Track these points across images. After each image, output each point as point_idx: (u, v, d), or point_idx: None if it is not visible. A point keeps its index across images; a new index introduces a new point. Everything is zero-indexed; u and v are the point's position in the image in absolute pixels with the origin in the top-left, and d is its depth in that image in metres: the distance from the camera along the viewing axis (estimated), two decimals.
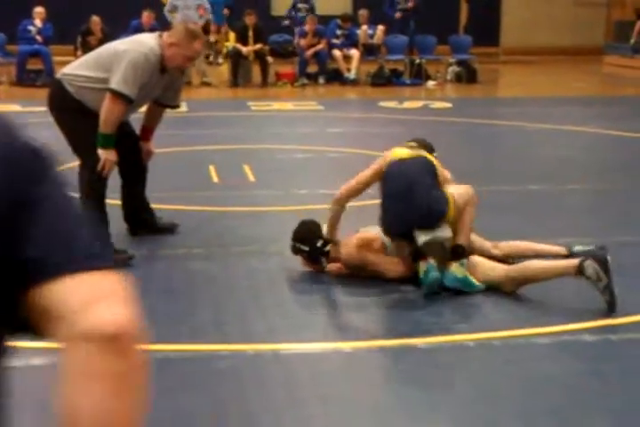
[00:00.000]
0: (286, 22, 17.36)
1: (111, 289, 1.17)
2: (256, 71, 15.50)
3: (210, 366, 3.85)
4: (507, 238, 5.23)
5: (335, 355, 4.08)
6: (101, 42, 14.97)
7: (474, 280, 4.71)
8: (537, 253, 5.04)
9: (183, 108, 12.34)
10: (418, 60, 15.86)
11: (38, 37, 15.23)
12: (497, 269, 4.77)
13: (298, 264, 5.15)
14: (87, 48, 15.08)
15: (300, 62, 15.63)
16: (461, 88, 15.40)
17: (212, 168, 7.93)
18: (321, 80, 15.62)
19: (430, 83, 15.50)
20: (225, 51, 16.88)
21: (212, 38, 18.08)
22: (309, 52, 15.56)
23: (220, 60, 17.67)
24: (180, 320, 4.38)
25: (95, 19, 15.12)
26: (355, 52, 15.62)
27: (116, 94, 5.19)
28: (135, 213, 5.86)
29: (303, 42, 15.66)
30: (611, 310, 4.39)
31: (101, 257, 1.21)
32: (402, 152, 5.08)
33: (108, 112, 5.20)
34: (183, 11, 15.29)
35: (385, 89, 14.88)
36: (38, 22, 15.32)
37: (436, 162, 5.09)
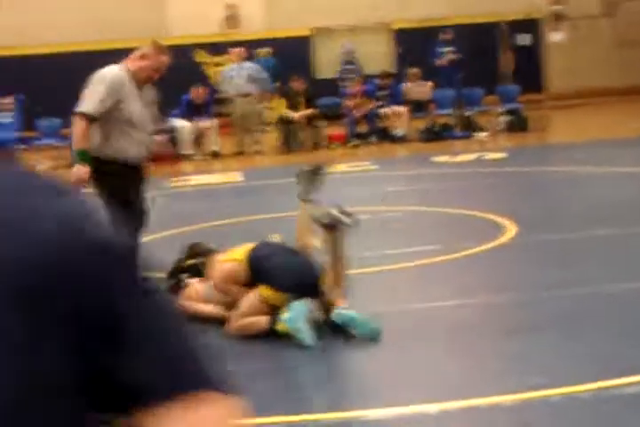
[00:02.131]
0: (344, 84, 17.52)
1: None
2: (306, 135, 15.65)
3: None
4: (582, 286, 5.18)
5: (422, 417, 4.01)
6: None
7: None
8: None
9: (239, 177, 12.55)
10: (467, 113, 15.92)
11: None
12: None
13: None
14: None
15: (349, 123, 15.76)
16: (513, 137, 15.37)
17: (277, 237, 7.95)
18: (372, 139, 15.72)
19: (481, 134, 15.50)
20: (275, 117, 17.07)
21: (266, 106, 18.32)
22: (358, 113, 15.69)
23: (269, 127, 17.90)
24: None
25: None
26: (402, 110, 15.73)
27: (77, 114, 5.78)
28: None
29: (350, 103, 15.82)
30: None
31: (214, 378, 0.97)
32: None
33: (73, 131, 5.85)
34: (235, 80, 15.59)
35: (436, 144, 14.91)
36: None
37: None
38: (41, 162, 15.58)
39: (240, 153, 15.57)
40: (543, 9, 21.20)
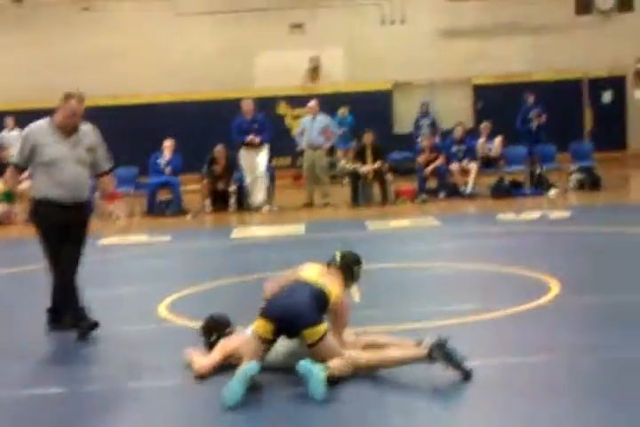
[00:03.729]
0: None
1: None
2: (376, 190, 15.78)
3: None
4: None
5: None
6: (226, 169, 15.61)
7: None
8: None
9: (301, 230, 12.70)
10: (538, 171, 15.84)
11: (167, 169, 15.95)
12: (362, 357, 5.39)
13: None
14: (212, 176, 15.74)
15: (419, 179, 15.84)
16: (584, 196, 15.25)
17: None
18: (441, 195, 15.76)
19: (551, 192, 15.39)
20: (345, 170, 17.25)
21: (341, 159, 18.58)
22: (428, 168, 15.77)
23: (345, 181, 18.07)
24: None
25: (219, 148, 15.76)
26: (473, 166, 15.75)
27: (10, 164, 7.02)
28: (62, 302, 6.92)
29: (421, 158, 15.92)
30: (466, 379, 5.15)
31: None
32: (311, 272, 5.67)
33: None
34: (307, 132, 15.87)
35: (505, 201, 14.88)
36: (167, 154, 16.07)
37: (331, 295, 5.49)
38: (118, 207, 15.98)
39: (309, 205, 15.77)
40: (627, 66, 21.06)
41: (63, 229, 6.82)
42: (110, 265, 10.55)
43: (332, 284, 5.65)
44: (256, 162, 15.39)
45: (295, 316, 5.30)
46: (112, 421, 5.06)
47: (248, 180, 15.47)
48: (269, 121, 16.02)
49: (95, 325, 6.81)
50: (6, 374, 6.07)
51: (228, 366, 5.54)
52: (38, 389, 5.59)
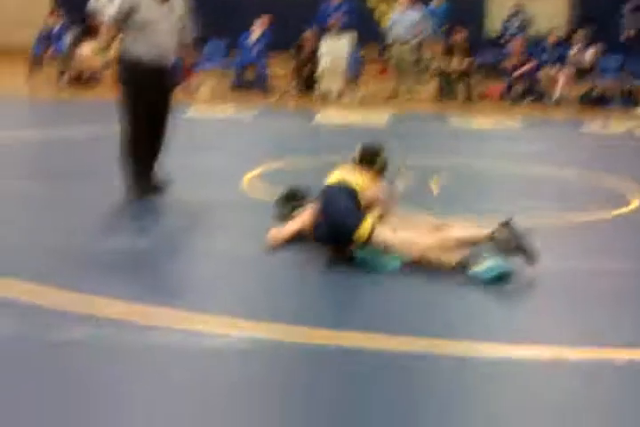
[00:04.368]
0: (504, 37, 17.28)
1: None
2: (462, 88, 15.65)
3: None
4: None
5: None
6: (312, 54, 15.55)
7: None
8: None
9: (384, 120, 12.73)
10: (629, 85, 15.51)
11: (256, 47, 15.93)
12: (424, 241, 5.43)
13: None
14: (299, 61, 15.71)
15: (506, 81, 15.64)
16: None
17: (435, 178, 8.17)
18: (527, 100, 15.56)
19: (639, 109, 15.10)
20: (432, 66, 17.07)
21: (428, 54, 18.36)
22: (516, 72, 15.55)
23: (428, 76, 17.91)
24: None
25: (308, 33, 15.67)
26: (563, 73, 15.47)
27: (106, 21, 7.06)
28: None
29: (510, 61, 15.67)
30: (529, 263, 5.23)
31: None
32: (333, 177, 5.76)
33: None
34: (396, 27, 15.68)
35: (592, 111, 14.66)
36: (257, 32, 16.02)
37: (359, 187, 5.62)
38: (205, 82, 16.16)
39: (394, 97, 15.72)
40: None
41: (150, 91, 6.99)
42: (195, 136, 10.72)
43: (355, 177, 5.74)
44: (336, 48, 15.17)
45: (338, 232, 5.43)
46: (186, 274, 5.29)
47: (322, 66, 15.20)
48: (358, 8, 15.70)
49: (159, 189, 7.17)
50: (96, 227, 6.35)
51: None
52: (126, 241, 5.84)
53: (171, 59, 7.12)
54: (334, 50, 15.20)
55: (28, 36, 16.81)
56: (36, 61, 15.75)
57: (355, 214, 5.49)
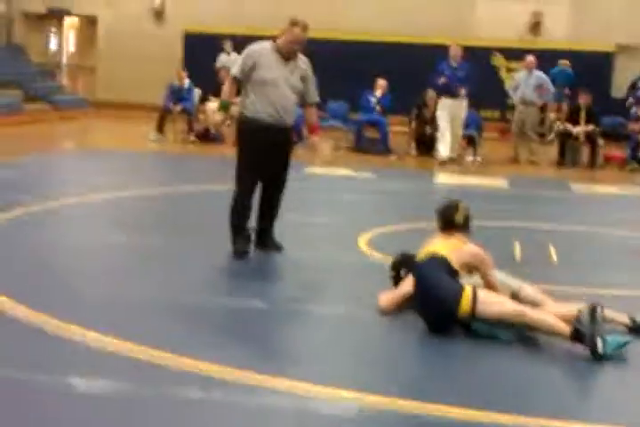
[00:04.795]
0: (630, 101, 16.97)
1: None
2: (585, 153, 15.45)
3: None
4: None
5: None
6: (433, 114, 15.58)
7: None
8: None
9: (504, 184, 12.63)
10: None
11: (377, 108, 16.11)
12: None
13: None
14: (421, 120, 15.79)
15: (630, 146, 15.36)
16: None
17: (516, 244, 8.06)
18: None
19: None
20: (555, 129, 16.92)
21: (552, 117, 18.26)
22: None
23: (551, 137, 17.75)
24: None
25: (431, 93, 15.72)
26: None
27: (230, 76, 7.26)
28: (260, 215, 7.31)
29: (634, 125, 15.40)
30: (595, 358, 4.94)
31: None
32: (422, 252, 5.68)
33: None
34: (521, 88, 15.62)
35: None
36: (378, 93, 16.21)
37: (450, 252, 5.51)
38: (325, 141, 16.37)
39: (515, 161, 15.60)
40: None
41: (266, 150, 7.06)
42: (314, 194, 10.85)
43: (445, 244, 5.64)
44: (453, 113, 14.87)
45: (440, 311, 5.32)
46: (298, 338, 5.31)
47: (440, 129, 14.99)
48: (478, 72, 15.45)
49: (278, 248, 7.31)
50: (211, 285, 6.46)
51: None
52: (241, 302, 5.91)
53: (290, 119, 7.16)
54: (451, 114, 14.90)
55: (156, 97, 17.43)
56: (165, 116, 16.25)
57: (451, 287, 5.35)
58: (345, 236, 8.18)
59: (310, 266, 7.04)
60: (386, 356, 5.11)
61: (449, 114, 14.81)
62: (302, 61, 7.21)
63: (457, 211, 5.83)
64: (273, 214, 7.38)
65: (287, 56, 7.07)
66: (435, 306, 5.35)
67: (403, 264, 6.12)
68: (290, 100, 7.11)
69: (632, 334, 5.38)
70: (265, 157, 7.09)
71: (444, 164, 14.57)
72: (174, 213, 9.27)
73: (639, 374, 5.00)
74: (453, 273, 5.50)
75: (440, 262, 5.51)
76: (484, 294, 5.34)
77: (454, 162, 14.83)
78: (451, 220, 5.80)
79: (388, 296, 5.83)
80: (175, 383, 4.33)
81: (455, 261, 5.53)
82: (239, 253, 7.08)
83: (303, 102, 7.32)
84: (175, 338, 5.07)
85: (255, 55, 7.07)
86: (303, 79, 7.20)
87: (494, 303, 5.30)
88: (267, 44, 7.15)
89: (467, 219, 5.83)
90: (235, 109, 7.45)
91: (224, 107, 7.43)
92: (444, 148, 14.83)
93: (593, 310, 5.10)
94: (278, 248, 7.33)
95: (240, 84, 7.17)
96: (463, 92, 14.73)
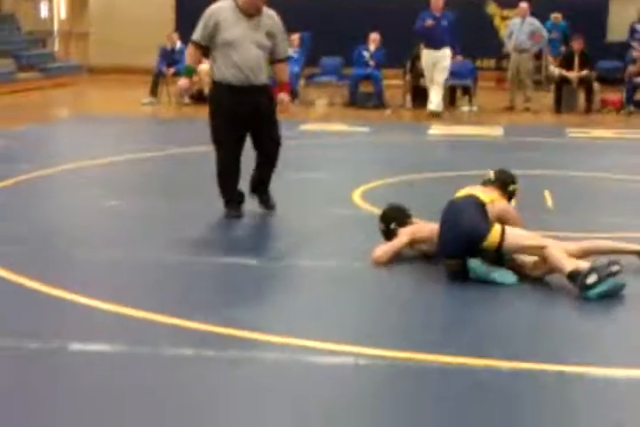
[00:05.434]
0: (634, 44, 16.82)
1: None
2: (581, 98, 15.38)
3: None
4: None
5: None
6: None
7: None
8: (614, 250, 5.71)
9: (499, 132, 12.61)
10: None
11: (371, 62, 16.02)
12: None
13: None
14: (415, 73, 15.70)
15: (627, 89, 15.28)
16: None
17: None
18: None
19: None
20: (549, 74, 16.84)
21: (552, 67, 18.14)
22: (638, 79, 15.16)
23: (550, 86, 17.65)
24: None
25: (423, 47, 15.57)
26: None
27: (189, 41, 6.99)
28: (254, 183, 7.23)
29: (632, 68, 15.30)
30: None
31: None
32: (461, 192, 5.81)
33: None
34: (515, 35, 15.51)
35: None
36: (372, 47, 16.11)
37: (488, 200, 5.64)
38: (319, 97, 16.36)
39: (510, 109, 15.55)
40: None
41: (238, 112, 6.83)
42: (309, 150, 10.84)
43: (485, 193, 5.74)
44: (436, 64, 14.34)
45: (468, 241, 5.41)
46: (291, 293, 5.35)
47: (427, 82, 14.66)
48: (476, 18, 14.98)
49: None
50: (205, 244, 6.49)
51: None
52: (235, 258, 5.94)
53: (259, 78, 6.89)
54: (434, 66, 14.42)
55: (151, 61, 17.29)
56: (159, 79, 16.17)
57: (483, 222, 5.48)
58: (339, 190, 8.19)
59: (303, 222, 7.05)
60: (380, 307, 5.15)
61: (433, 64, 14.40)
62: (267, 16, 6.90)
63: (514, 182, 6.03)
64: (269, 173, 7.25)
65: (249, 12, 6.79)
66: (464, 232, 5.44)
67: (391, 217, 6.11)
68: (256, 58, 6.83)
69: None
70: (240, 119, 6.86)
71: (432, 116, 14.27)
72: (169, 174, 9.29)
73: (632, 315, 5.02)
74: (486, 216, 5.58)
75: (477, 204, 5.63)
76: (510, 230, 5.46)
77: (439, 116, 14.38)
78: (507, 184, 5.95)
79: (383, 249, 5.86)
80: (170, 343, 4.37)
81: (490, 209, 5.63)
82: (231, 217, 7.04)
83: (272, 59, 7.04)
84: (169, 298, 5.11)
85: (214, 16, 6.80)
86: (270, 35, 6.88)
87: (521, 237, 5.44)
88: (226, 3, 6.87)
89: (514, 194, 6.04)
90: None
91: (188, 72, 7.18)
92: (435, 97, 14.47)
93: (611, 263, 5.16)
94: (270, 207, 7.27)
95: (204, 48, 6.92)
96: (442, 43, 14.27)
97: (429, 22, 14.25)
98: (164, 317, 4.70)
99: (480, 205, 5.62)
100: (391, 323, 4.83)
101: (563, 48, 17.69)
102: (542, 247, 5.36)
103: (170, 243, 6.29)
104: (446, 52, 14.38)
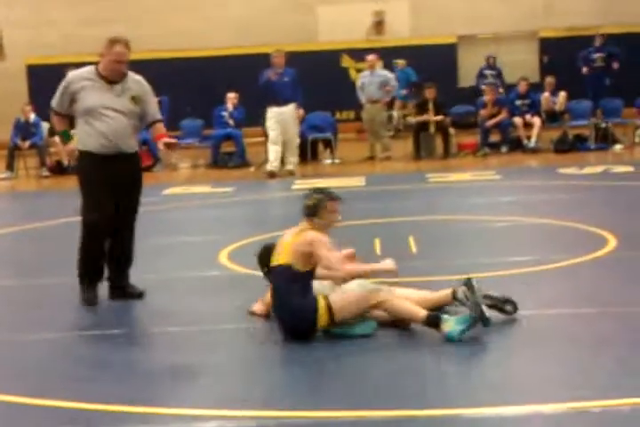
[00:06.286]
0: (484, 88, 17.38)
1: None
2: (439, 143, 15.78)
3: None
4: None
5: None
6: None
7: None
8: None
9: (361, 182, 12.79)
10: (604, 125, 15.64)
11: (230, 121, 16.09)
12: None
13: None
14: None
15: (481, 132, 15.77)
16: None
17: (377, 241, 8.15)
18: (503, 149, 15.68)
19: (617, 147, 15.24)
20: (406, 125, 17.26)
21: (396, 114, 18.66)
22: (490, 122, 15.68)
23: (394, 133, 18.10)
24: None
25: None
26: (536, 120, 15.62)
27: (50, 108, 6.69)
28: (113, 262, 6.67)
29: (484, 112, 15.80)
30: (485, 325, 5.19)
31: None
32: (277, 252, 5.57)
33: None
34: (366, 87, 15.86)
35: (568, 155, 14.77)
36: (230, 107, 16.19)
37: (291, 249, 5.42)
38: (182, 160, 16.30)
39: (371, 158, 15.82)
40: None
41: (107, 184, 6.45)
42: (173, 214, 10.74)
43: (286, 242, 5.52)
44: (284, 122, 14.12)
45: (302, 331, 5.35)
46: (166, 362, 5.25)
47: (270, 139, 14.31)
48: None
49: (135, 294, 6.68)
50: (67, 321, 6.32)
51: None
52: (101, 331, 5.80)
53: (127, 145, 6.53)
54: (283, 120, 14.13)
55: (4, 134, 16.97)
56: (14, 153, 15.87)
57: (306, 304, 5.32)
58: (205, 252, 8.12)
59: (169, 288, 6.94)
60: (254, 368, 5.07)
61: (277, 122, 14.14)
62: (133, 81, 6.54)
63: (309, 197, 5.69)
64: (128, 257, 6.74)
65: (111, 79, 6.45)
66: (295, 325, 5.36)
67: (268, 258, 5.95)
68: (122, 125, 6.46)
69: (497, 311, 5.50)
70: (108, 193, 6.46)
71: (272, 176, 14.00)
72: (26, 250, 9.05)
73: (487, 354, 5.10)
74: (303, 279, 5.44)
75: (287, 272, 5.42)
76: (336, 301, 5.33)
77: (285, 173, 14.20)
78: (303, 205, 5.66)
79: (259, 306, 5.85)
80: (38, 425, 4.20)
81: (296, 260, 5.40)
82: (88, 303, 6.52)
83: (146, 123, 6.69)
84: (32, 378, 4.94)
85: (72, 84, 6.48)
86: (137, 100, 6.50)
87: (349, 304, 5.33)
88: (86, 70, 6.53)
89: (315, 206, 5.63)
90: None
91: (65, 136, 6.76)
92: (273, 157, 14.14)
93: (468, 282, 5.30)
94: (139, 295, 6.67)
95: (66, 116, 6.65)
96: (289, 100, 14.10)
97: (272, 73, 14.13)
98: (30, 398, 4.53)
99: (291, 273, 5.38)
100: (264, 383, 4.77)
101: (403, 92, 18.19)
102: (378, 304, 5.33)
103: (25, 322, 6.10)
104: (292, 109, 14.20)
